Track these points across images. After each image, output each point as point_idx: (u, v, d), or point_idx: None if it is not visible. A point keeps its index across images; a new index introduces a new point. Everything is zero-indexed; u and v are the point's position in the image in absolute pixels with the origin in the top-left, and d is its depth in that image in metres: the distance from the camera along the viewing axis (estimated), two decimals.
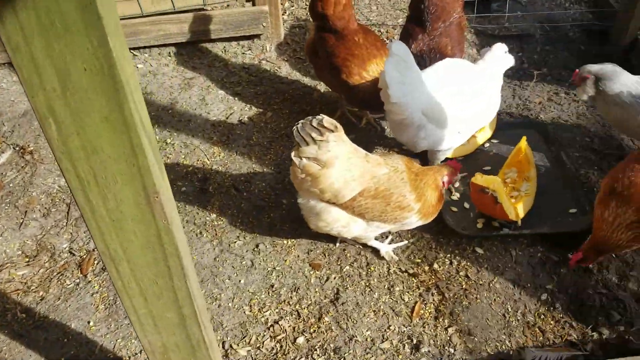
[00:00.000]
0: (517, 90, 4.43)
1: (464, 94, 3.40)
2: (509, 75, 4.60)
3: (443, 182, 3.11)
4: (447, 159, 3.60)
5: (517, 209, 3.30)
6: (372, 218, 3.00)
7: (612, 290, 3.09)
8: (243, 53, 4.72)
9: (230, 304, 3.05)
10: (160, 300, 1.89)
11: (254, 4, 4.60)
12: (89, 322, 2.97)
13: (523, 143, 3.59)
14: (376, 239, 3.25)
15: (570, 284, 3.14)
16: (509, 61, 3.59)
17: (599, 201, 2.98)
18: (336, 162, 2.78)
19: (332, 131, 2.70)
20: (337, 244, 3.32)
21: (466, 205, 3.49)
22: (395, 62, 3.06)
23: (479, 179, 3.26)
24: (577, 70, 3.52)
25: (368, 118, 4.12)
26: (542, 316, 3.03)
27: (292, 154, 2.78)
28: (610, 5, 4.91)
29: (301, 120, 2.71)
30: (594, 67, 3.45)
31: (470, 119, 3.47)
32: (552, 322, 3.00)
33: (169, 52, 4.70)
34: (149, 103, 4.22)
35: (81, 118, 1.36)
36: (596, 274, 3.18)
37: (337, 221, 3.00)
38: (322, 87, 4.41)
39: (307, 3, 5.17)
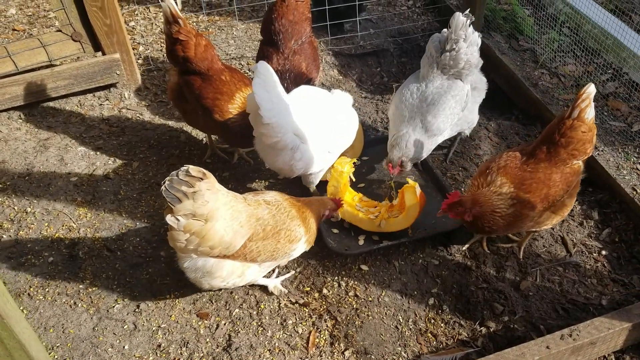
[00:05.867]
0: (380, 105, 4.56)
1: (326, 115, 3.45)
2: (372, 91, 4.76)
3: (324, 214, 3.14)
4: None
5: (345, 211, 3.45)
6: (264, 260, 2.91)
7: (491, 283, 3.23)
8: (101, 104, 4.51)
9: None
10: None
11: (104, 53, 4.41)
12: None
13: (407, 188, 3.45)
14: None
15: (453, 283, 3.25)
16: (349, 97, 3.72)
17: (472, 179, 3.17)
18: (219, 213, 2.63)
19: (202, 179, 2.54)
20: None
21: (346, 224, 3.53)
22: (262, 81, 3.00)
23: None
24: (390, 164, 3.53)
25: (240, 153, 4.07)
26: (432, 320, 3.10)
27: (167, 217, 2.55)
28: (452, 12, 5.21)
29: (167, 178, 2.51)
30: (398, 152, 3.50)
31: (336, 137, 3.52)
32: (442, 324, 3.08)
33: (19, 115, 4.39)
34: (3, 172, 3.90)
35: None
36: (475, 269, 3.31)
37: (232, 273, 2.87)
38: (188, 128, 4.31)
39: (163, 46, 5.06)
